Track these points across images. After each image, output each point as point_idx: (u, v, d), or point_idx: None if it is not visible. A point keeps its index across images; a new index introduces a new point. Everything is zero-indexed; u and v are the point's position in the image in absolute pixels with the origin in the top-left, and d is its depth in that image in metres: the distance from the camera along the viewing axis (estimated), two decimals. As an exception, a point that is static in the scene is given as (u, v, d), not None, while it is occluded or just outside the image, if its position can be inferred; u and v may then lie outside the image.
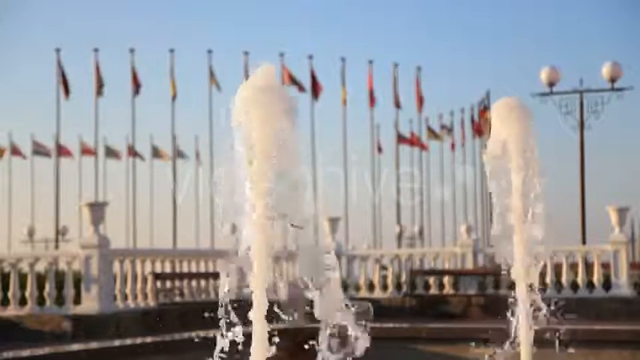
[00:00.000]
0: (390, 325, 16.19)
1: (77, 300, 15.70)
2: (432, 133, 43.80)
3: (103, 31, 55.37)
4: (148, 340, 13.33)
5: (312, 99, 36.69)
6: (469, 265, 20.49)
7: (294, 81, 35.24)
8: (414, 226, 45.13)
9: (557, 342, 5.87)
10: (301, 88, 35.71)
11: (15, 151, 42.94)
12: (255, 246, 4.08)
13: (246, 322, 4.03)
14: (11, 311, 15.53)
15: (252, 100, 4.04)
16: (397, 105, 39.96)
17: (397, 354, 14.62)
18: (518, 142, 5.91)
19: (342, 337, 3.99)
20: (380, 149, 41.77)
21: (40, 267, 16.43)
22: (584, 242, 22.20)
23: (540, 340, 5.89)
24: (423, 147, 43.66)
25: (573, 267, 19.44)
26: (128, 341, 13.20)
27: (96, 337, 13.77)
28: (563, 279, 19.18)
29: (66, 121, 37.72)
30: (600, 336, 13.92)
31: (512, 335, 5.85)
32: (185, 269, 18.14)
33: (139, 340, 13.28)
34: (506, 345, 5.85)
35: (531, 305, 5.87)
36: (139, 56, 36.30)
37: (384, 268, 22.25)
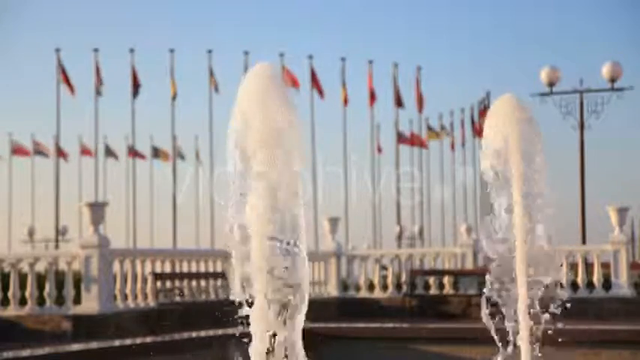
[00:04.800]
0: (390, 325, 16.20)
1: (77, 300, 15.69)
2: (432, 132, 43.80)
3: (103, 31, 55.46)
4: (148, 340, 13.33)
5: (313, 98, 36.73)
6: (469, 265, 20.49)
7: (294, 81, 35.23)
8: (414, 226, 45.11)
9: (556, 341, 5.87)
10: (300, 87, 35.69)
11: (16, 150, 42.99)
12: (255, 246, 4.08)
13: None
14: (11, 311, 15.52)
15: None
16: (397, 105, 39.95)
17: (397, 354, 14.62)
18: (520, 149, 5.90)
19: None
20: (380, 149, 41.78)
21: (40, 267, 16.42)
22: (584, 242, 22.19)
23: (540, 340, 5.90)
24: (423, 145, 43.65)
25: (573, 267, 19.43)
26: (128, 341, 13.20)
27: (96, 337, 13.77)
28: (563, 279, 19.14)
29: (66, 121, 37.78)
30: (600, 336, 13.93)
31: (512, 335, 5.85)
32: (185, 269, 18.14)
33: (138, 340, 13.29)
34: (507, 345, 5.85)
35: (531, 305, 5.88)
36: (139, 56, 36.35)
37: (384, 268, 22.24)
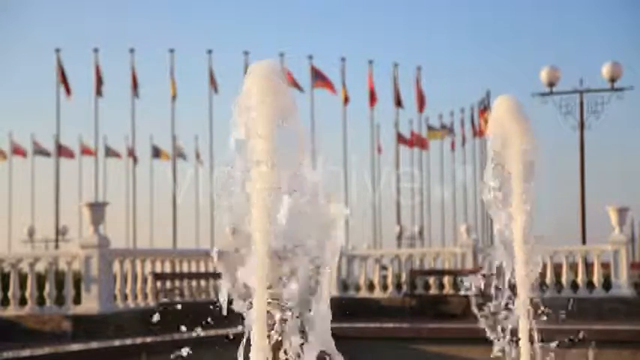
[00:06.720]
0: (390, 325, 16.21)
1: (77, 300, 15.70)
2: (432, 131, 43.79)
3: (103, 31, 55.47)
4: (148, 340, 13.34)
5: (313, 98, 36.72)
6: (469, 265, 20.47)
7: (294, 81, 35.20)
8: (414, 226, 45.10)
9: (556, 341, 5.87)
10: (300, 88, 35.65)
11: (15, 150, 43.00)
12: (255, 243, 4.07)
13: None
14: (11, 311, 15.53)
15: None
16: (397, 105, 39.96)
17: (397, 354, 14.62)
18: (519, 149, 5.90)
19: None
20: (380, 149, 41.79)
21: (40, 267, 16.43)
22: (584, 242, 22.19)
23: (540, 340, 5.89)
24: (423, 146, 43.66)
25: (573, 267, 19.44)
26: (128, 341, 13.21)
27: (96, 337, 13.77)
28: (563, 279, 19.18)
29: (66, 121, 37.76)
30: (600, 336, 13.93)
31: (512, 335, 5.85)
32: (185, 269, 18.15)
33: (139, 340, 13.29)
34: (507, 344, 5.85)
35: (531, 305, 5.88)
36: (139, 56, 36.35)
37: (384, 268, 22.24)
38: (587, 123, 23.72)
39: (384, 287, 20.92)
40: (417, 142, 43.06)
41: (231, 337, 4.00)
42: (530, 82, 44.26)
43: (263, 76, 4.02)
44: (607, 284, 19.10)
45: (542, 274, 18.78)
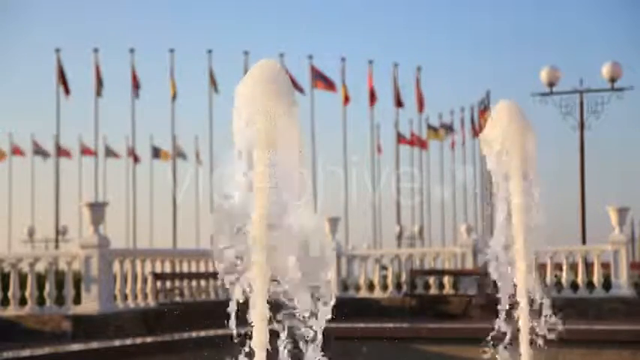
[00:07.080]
0: (390, 325, 16.20)
1: (77, 300, 15.69)
2: (432, 131, 43.80)
3: (103, 31, 55.45)
4: (148, 340, 13.34)
5: (314, 98, 36.71)
6: (469, 265, 20.48)
7: (294, 82, 35.18)
8: (414, 226, 45.12)
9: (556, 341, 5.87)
10: (300, 90, 35.64)
11: (15, 150, 43.04)
12: (255, 241, 4.07)
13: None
14: (11, 311, 15.53)
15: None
16: (397, 105, 39.96)
17: (397, 354, 14.62)
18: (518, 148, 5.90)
19: None
20: (380, 149, 41.79)
21: (40, 267, 16.42)
22: (584, 242, 22.18)
23: (540, 340, 5.89)
24: (423, 146, 43.66)
25: (573, 267, 19.43)
26: (128, 341, 13.21)
27: (96, 337, 13.77)
28: (563, 279, 19.17)
29: (66, 121, 37.80)
30: (600, 336, 13.93)
31: (513, 335, 5.85)
32: (185, 269, 18.14)
33: (139, 340, 13.29)
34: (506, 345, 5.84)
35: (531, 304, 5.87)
36: (139, 56, 36.35)
37: (384, 268, 22.23)
38: (587, 123, 23.72)
39: (384, 287, 20.91)
40: (417, 142, 43.07)
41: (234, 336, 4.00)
42: (530, 82, 44.25)
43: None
44: (607, 284, 19.09)
45: (543, 274, 18.85)
